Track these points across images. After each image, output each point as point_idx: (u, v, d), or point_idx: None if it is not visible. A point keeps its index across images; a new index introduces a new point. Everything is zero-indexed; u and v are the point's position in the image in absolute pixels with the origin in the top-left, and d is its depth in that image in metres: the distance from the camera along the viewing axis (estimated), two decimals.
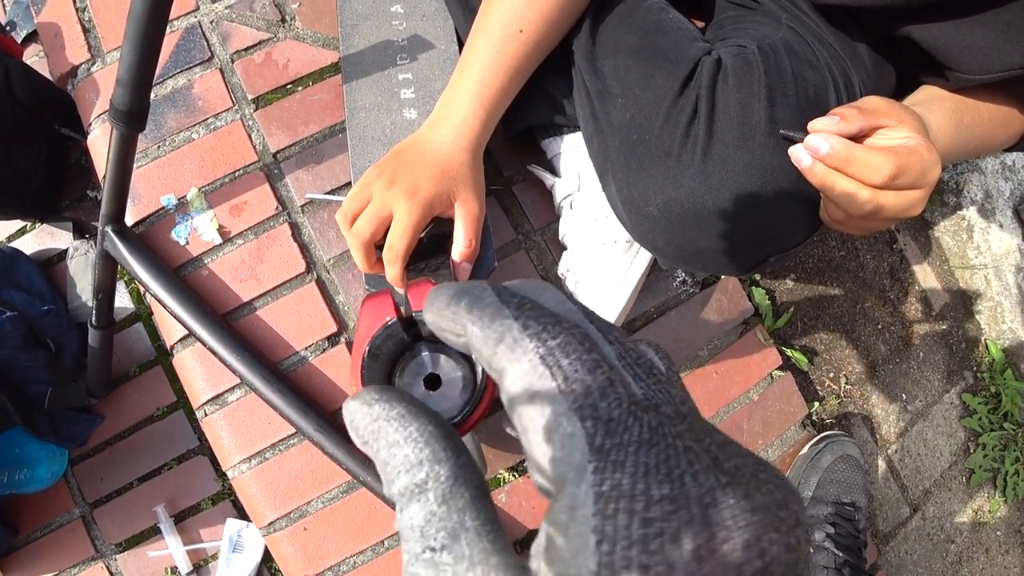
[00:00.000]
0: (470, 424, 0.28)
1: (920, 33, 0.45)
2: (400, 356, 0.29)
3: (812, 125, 0.43)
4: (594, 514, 0.10)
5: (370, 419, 0.13)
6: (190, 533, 0.82)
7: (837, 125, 0.42)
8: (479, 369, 0.18)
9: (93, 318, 0.72)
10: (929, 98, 0.51)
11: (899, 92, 0.56)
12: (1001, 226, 1.08)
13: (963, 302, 1.10)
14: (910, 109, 0.46)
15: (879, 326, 0.94)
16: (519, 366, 0.12)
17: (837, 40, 0.52)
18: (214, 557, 0.81)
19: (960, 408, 0.97)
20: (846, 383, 0.87)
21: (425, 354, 0.28)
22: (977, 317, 1.09)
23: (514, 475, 0.60)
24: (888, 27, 0.47)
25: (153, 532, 0.81)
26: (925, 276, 1.08)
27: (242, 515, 0.82)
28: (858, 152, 0.40)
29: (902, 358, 0.94)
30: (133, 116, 0.55)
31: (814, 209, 0.47)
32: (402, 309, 0.29)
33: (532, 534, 0.60)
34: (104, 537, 0.81)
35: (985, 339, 1.07)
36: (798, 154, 0.43)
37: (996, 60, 0.43)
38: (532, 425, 0.12)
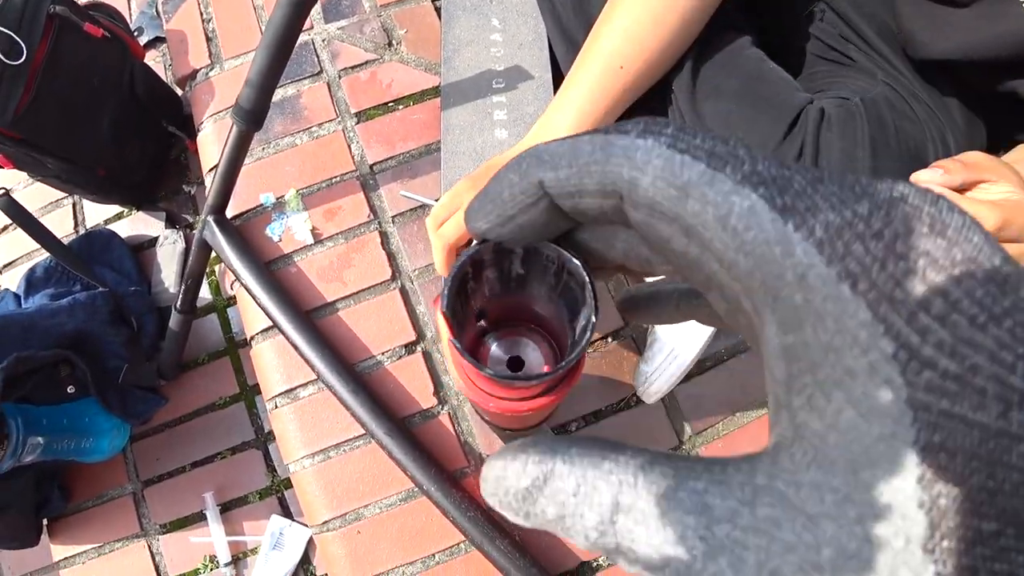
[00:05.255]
0: (582, 365, 0.28)
1: None
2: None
3: (915, 177, 0.43)
4: (828, 263, 0.09)
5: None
6: (234, 524, 0.83)
7: (941, 177, 0.42)
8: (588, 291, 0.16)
9: (178, 302, 0.75)
10: None
11: (990, 150, 0.56)
12: None
13: None
14: (1010, 166, 0.45)
15: None
16: (649, 166, 0.10)
17: (931, 98, 0.53)
18: (253, 551, 0.82)
19: None
20: None
21: (494, 346, 0.29)
22: None
23: None
24: (991, 82, 0.47)
25: (198, 518, 0.83)
26: None
27: (287, 513, 0.83)
28: (963, 204, 0.40)
29: None
30: (254, 115, 0.59)
31: None
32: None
33: (544, 565, 0.58)
34: (151, 516, 0.83)
35: None
36: None
37: None
38: (697, 220, 0.10)
